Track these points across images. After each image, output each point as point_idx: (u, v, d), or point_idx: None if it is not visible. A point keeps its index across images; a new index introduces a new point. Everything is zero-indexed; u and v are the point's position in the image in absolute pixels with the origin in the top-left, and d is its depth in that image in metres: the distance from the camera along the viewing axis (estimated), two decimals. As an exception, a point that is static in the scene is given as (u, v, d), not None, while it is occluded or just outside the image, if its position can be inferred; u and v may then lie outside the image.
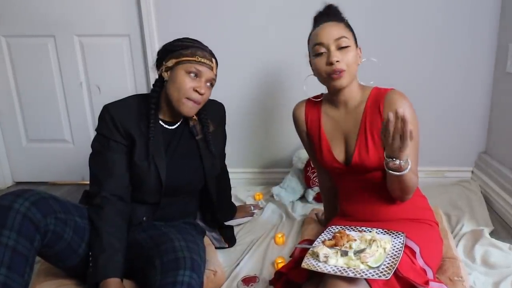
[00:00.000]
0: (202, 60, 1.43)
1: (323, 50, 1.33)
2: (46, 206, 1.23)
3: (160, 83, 1.48)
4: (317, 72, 1.38)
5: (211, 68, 1.46)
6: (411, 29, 2.22)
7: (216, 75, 1.49)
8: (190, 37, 1.51)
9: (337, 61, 1.31)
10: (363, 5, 2.18)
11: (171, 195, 1.53)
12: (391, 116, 1.12)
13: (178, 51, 1.43)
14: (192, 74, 1.42)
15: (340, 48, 1.32)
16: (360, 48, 1.39)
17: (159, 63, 1.49)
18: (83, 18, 2.44)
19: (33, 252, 1.18)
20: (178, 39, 1.49)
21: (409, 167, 1.22)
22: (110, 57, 2.48)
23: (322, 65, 1.34)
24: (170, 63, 1.44)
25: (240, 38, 2.32)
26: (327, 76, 1.34)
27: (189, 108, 1.44)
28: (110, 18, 2.42)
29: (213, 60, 1.48)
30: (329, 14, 1.40)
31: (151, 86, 1.51)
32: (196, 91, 1.42)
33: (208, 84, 1.47)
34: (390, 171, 1.24)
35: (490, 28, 2.17)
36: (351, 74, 1.34)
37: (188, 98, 1.42)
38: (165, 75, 1.45)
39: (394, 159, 1.20)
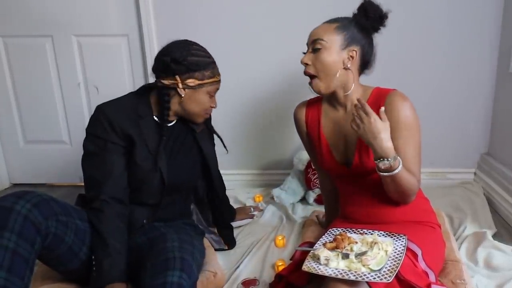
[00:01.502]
0: (219, 78, 1.51)
1: (306, 49, 1.38)
2: (48, 208, 1.23)
3: (168, 91, 1.45)
4: None
5: (220, 81, 1.53)
6: (413, 30, 2.22)
7: None
8: (200, 47, 1.48)
9: (305, 64, 1.35)
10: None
11: (172, 194, 1.53)
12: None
13: (200, 72, 1.43)
14: (212, 94, 1.50)
15: (314, 50, 1.34)
16: (355, 50, 1.35)
17: (165, 73, 1.44)
18: (81, 18, 2.43)
19: (34, 255, 1.18)
20: (191, 51, 1.43)
21: (400, 165, 1.22)
22: (108, 57, 2.48)
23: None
24: (191, 82, 1.43)
25: (240, 38, 2.32)
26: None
27: (204, 119, 1.56)
28: (108, 18, 2.42)
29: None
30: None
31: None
32: (212, 107, 1.53)
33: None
34: (382, 173, 1.24)
35: (493, 28, 2.18)
36: (327, 79, 1.34)
37: (206, 113, 1.53)
38: (182, 92, 1.44)
39: (382, 159, 1.22)
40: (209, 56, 1.48)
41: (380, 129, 1.20)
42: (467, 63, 2.24)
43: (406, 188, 1.28)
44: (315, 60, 1.34)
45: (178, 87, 1.44)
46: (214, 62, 1.49)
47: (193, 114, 1.50)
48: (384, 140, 1.21)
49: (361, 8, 1.37)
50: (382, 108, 1.26)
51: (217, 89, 1.52)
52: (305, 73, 1.37)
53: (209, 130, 1.67)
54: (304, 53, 1.39)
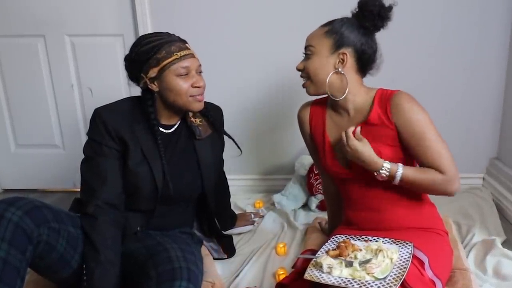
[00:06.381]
0: (182, 54, 1.41)
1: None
2: (40, 215, 1.23)
3: (150, 95, 1.46)
4: None
5: (193, 55, 1.45)
6: (420, 29, 2.23)
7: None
8: (153, 33, 1.48)
9: (298, 69, 1.43)
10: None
11: (167, 203, 1.53)
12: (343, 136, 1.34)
13: (153, 58, 1.40)
14: (182, 74, 1.42)
15: (306, 56, 1.42)
16: (345, 53, 1.36)
17: (135, 77, 1.47)
18: (74, 17, 2.44)
19: (25, 264, 1.18)
20: (140, 43, 1.45)
21: (399, 170, 1.29)
22: (103, 58, 2.48)
23: None
24: (152, 73, 1.41)
25: (238, 39, 2.32)
26: None
27: (198, 103, 1.47)
28: (103, 17, 2.43)
29: (187, 44, 1.46)
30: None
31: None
32: (196, 86, 1.44)
33: (199, 71, 1.47)
34: (393, 182, 1.32)
35: (502, 27, 2.19)
36: (316, 83, 1.40)
37: (192, 96, 1.44)
38: (154, 87, 1.44)
39: (377, 171, 1.31)
40: (160, 37, 1.43)
41: (358, 149, 1.31)
42: (475, 63, 2.24)
43: (427, 186, 1.33)
44: (306, 65, 1.40)
45: (148, 85, 1.44)
46: (168, 41, 1.41)
47: (183, 105, 1.45)
48: (366, 155, 1.30)
49: (358, 6, 1.39)
50: (358, 129, 1.35)
51: (184, 66, 1.41)
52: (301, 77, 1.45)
53: (218, 134, 1.63)
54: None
